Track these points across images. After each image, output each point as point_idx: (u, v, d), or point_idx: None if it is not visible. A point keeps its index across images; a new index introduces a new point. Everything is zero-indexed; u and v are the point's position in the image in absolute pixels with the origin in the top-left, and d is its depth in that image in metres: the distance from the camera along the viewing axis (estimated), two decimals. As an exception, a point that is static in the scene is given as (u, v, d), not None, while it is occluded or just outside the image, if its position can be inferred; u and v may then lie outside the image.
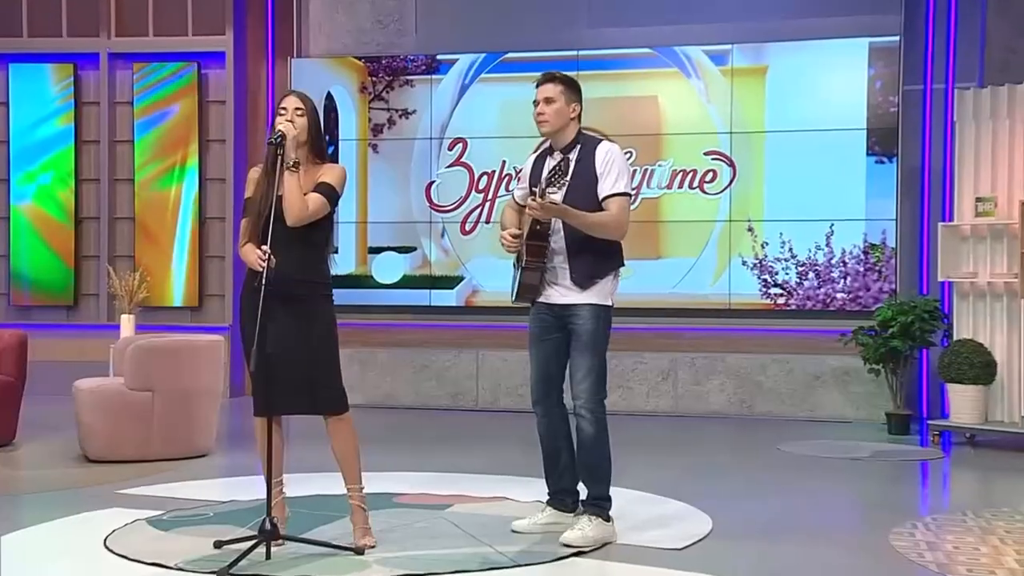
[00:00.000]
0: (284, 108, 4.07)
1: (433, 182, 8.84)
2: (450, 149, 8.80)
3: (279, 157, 3.96)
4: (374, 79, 8.91)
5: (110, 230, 9.32)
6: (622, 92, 8.51)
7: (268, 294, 3.83)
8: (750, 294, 8.27)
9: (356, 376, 8.67)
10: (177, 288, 9.18)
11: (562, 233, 4.19)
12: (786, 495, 5.38)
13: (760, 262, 8.26)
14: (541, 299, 4.28)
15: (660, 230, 8.44)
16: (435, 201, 8.83)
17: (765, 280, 8.25)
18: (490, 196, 8.70)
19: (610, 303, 4.25)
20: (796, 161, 8.20)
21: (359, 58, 8.97)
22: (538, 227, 4.19)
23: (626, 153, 8.33)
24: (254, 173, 4.16)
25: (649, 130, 8.46)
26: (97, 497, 5.04)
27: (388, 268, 8.84)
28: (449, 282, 8.78)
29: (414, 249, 8.84)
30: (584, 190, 4.18)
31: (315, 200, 4.01)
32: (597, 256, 4.20)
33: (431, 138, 8.82)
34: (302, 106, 4.08)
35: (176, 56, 9.21)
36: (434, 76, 8.81)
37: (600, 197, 4.19)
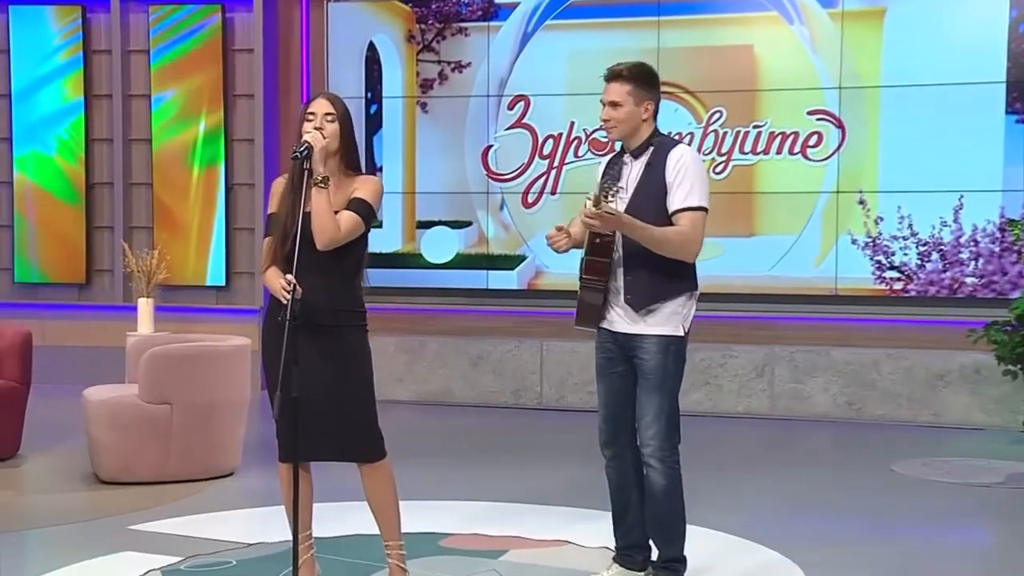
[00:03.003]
0: (313, 113, 4.08)
1: (491, 146, 8.84)
2: (510, 108, 8.78)
3: (306, 171, 3.99)
4: (423, 26, 8.89)
5: (125, 198, 9.48)
6: (711, 40, 8.41)
7: (294, 328, 3.88)
8: (861, 278, 8.19)
9: (403, 368, 8.77)
10: (201, 264, 9.33)
11: (620, 247, 4.16)
12: (895, 540, 5.33)
13: (873, 241, 8.16)
14: (604, 325, 4.27)
15: (755, 203, 8.36)
16: (493, 168, 8.83)
17: (879, 262, 8.16)
18: (556, 163, 8.68)
19: (682, 332, 4.19)
20: (918, 121, 8.07)
21: (405, 1, 8.94)
22: (598, 240, 4.13)
23: (714, 113, 8.39)
24: (278, 185, 4.21)
25: (743, 85, 8.36)
26: (109, 534, 5.17)
27: (439, 245, 8.89)
28: (509, 262, 8.80)
29: (469, 224, 8.87)
30: (651, 200, 4.11)
31: (348, 220, 4.03)
32: (657, 276, 4.13)
33: (488, 96, 8.81)
34: (333, 111, 4.08)
35: (197, -2, 9.29)
36: (492, 23, 8.77)
37: (670, 210, 4.13)
